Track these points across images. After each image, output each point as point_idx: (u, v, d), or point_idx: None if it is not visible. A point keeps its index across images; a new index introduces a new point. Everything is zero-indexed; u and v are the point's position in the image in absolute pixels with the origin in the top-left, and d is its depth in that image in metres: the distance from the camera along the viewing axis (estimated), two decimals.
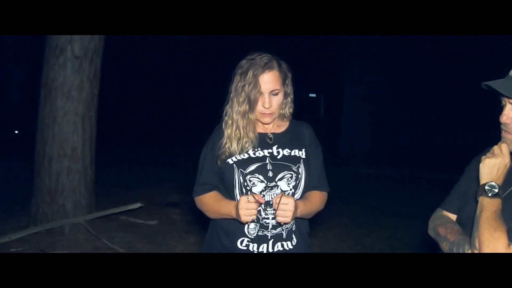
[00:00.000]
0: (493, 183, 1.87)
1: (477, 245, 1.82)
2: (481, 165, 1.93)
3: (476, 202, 1.96)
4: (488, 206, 1.84)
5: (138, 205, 6.51)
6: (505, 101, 1.96)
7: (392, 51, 13.02)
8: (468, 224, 2.04)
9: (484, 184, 1.89)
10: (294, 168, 2.46)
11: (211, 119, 2.64)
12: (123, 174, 10.24)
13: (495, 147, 1.94)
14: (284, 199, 2.26)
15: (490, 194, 1.86)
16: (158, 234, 6.48)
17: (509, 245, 1.78)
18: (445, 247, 2.07)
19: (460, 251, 1.97)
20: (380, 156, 13.89)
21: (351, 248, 6.36)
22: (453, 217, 2.22)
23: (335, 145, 15.45)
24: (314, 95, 20.83)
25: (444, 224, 2.17)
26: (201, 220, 2.75)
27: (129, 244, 6.02)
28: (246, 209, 2.25)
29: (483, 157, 1.95)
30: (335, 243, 6.58)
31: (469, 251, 1.92)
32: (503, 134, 1.99)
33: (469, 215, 2.04)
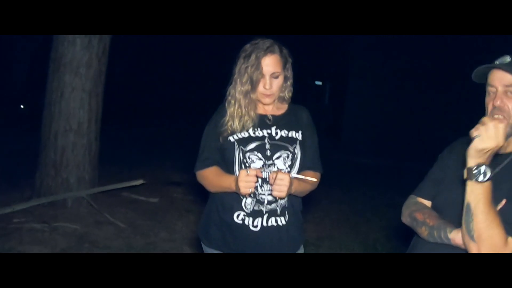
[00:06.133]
0: (483, 167, 1.82)
1: (475, 238, 1.85)
2: (475, 145, 1.83)
3: (458, 187, 2.03)
4: (482, 194, 1.83)
5: (140, 181, 6.61)
6: (496, 86, 2.02)
7: (399, 43, 13.01)
8: (445, 210, 2.12)
9: (474, 167, 1.84)
10: (291, 149, 2.60)
11: (216, 101, 2.75)
12: (127, 152, 10.38)
13: (490, 125, 1.81)
14: (280, 175, 2.41)
15: (480, 179, 1.82)
16: (159, 211, 6.62)
17: (506, 238, 1.84)
18: (424, 232, 2.11)
19: (442, 235, 2.02)
20: (382, 147, 13.93)
21: (346, 235, 6.47)
22: (428, 203, 2.27)
23: (338, 134, 15.52)
24: (320, 83, 20.88)
25: (420, 209, 2.21)
26: (202, 200, 2.87)
27: (130, 219, 6.16)
28: (246, 181, 2.40)
29: (475, 134, 1.83)
30: (332, 229, 6.70)
31: (450, 234, 1.99)
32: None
33: (448, 202, 2.13)
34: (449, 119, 12.79)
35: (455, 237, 1.97)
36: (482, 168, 1.82)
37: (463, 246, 1.93)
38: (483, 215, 1.83)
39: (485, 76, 2.08)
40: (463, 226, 1.89)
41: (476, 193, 1.84)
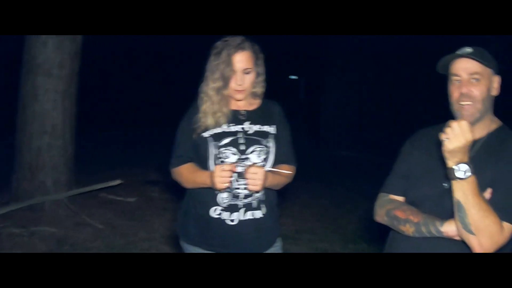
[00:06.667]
0: (461, 164, 1.91)
1: (473, 231, 1.92)
2: (446, 147, 1.91)
3: (429, 181, 2.18)
4: (469, 189, 1.90)
5: (117, 182, 6.58)
6: (460, 74, 2.13)
7: (376, 38, 13.10)
8: (420, 205, 2.18)
9: (455, 168, 1.91)
10: (264, 143, 2.64)
11: (190, 99, 2.76)
12: (103, 152, 10.31)
13: (454, 125, 1.90)
14: (255, 169, 2.46)
15: (463, 176, 1.90)
16: (137, 210, 6.62)
17: (501, 224, 1.93)
18: (409, 229, 2.14)
19: (432, 229, 2.07)
20: (359, 140, 14.02)
21: (325, 228, 6.52)
22: (401, 199, 2.30)
23: (315, 128, 15.58)
24: (295, 77, 20.93)
25: (399, 207, 2.23)
26: (179, 198, 2.89)
27: (108, 220, 6.14)
28: (221, 176, 2.44)
29: (444, 137, 1.92)
30: (312, 222, 6.75)
31: (442, 227, 2.04)
32: (465, 107, 2.11)
33: (421, 197, 2.20)
34: (425, 112, 12.91)
35: (448, 229, 2.03)
36: (462, 166, 1.91)
37: (457, 238, 2.02)
38: (475, 209, 1.91)
39: (446, 67, 2.20)
40: (458, 222, 1.96)
41: (464, 190, 1.92)
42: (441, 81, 2.31)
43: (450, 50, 2.21)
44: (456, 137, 1.87)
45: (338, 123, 14.83)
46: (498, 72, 2.19)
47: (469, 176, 1.90)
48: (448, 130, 1.90)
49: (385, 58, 13.99)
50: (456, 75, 2.15)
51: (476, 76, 2.11)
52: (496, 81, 2.18)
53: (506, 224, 1.95)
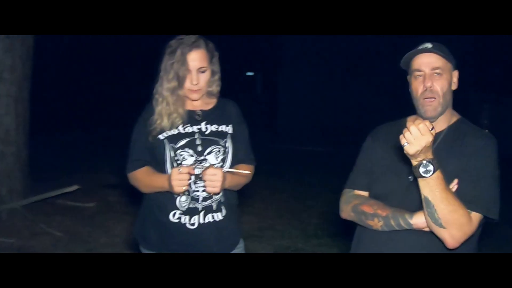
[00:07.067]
0: (425, 162, 1.91)
1: (444, 224, 1.96)
2: (407, 151, 1.90)
3: (392, 176, 2.22)
4: (436, 185, 1.92)
5: (74, 187, 6.42)
6: (423, 69, 2.18)
7: (331, 35, 13.22)
8: (385, 200, 2.20)
9: (418, 165, 1.92)
10: (222, 143, 2.59)
11: (146, 100, 2.70)
12: (58, 157, 10.08)
13: (413, 129, 1.87)
14: (213, 170, 2.41)
15: (427, 175, 1.91)
16: (96, 216, 6.49)
17: (469, 214, 1.98)
18: (378, 223, 2.16)
19: (401, 222, 2.09)
20: (317, 134, 14.13)
21: (288, 223, 6.53)
22: (366, 194, 2.33)
23: (273, 123, 15.63)
24: (251, 73, 20.96)
25: (365, 202, 2.26)
26: (138, 201, 2.82)
27: (67, 227, 5.99)
28: (178, 180, 2.39)
29: (403, 142, 1.90)
30: (273, 219, 6.74)
31: (412, 220, 2.07)
32: (429, 102, 2.16)
33: (386, 192, 2.23)
34: (380, 104, 13.11)
35: (418, 221, 2.06)
36: (426, 164, 1.91)
37: (426, 229, 2.05)
38: (443, 203, 1.94)
39: (408, 63, 2.25)
40: (428, 218, 2.00)
41: (430, 186, 1.94)
42: (396, 74, 2.34)
43: (403, 47, 2.24)
44: (416, 140, 1.86)
45: (295, 118, 14.92)
46: (456, 67, 2.25)
47: (435, 173, 1.91)
48: (407, 134, 1.87)
49: (340, 53, 14.13)
50: (419, 70, 2.19)
51: (438, 70, 2.16)
52: (455, 76, 2.25)
53: (474, 214, 2.00)
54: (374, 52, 13.85)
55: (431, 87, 2.15)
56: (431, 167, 1.91)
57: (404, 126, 1.90)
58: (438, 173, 1.92)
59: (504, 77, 14.04)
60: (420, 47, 2.19)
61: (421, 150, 1.87)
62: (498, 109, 13.28)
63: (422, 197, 1.98)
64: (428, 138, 1.86)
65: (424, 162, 1.90)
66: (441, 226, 1.97)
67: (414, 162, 1.93)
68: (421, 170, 1.92)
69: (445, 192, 1.94)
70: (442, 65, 2.17)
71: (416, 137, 1.85)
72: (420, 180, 1.96)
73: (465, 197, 1.99)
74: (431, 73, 2.16)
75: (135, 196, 2.89)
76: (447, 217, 1.94)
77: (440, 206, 1.94)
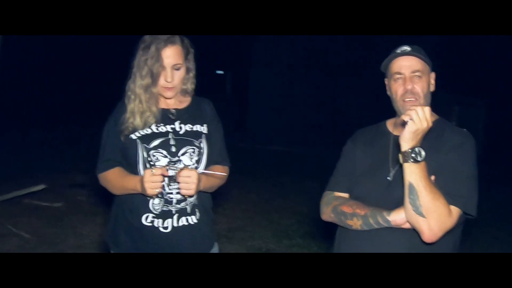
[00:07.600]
0: (417, 149, 2.00)
1: (424, 212, 2.00)
2: (410, 127, 1.98)
3: (372, 177, 2.27)
4: (421, 172, 2.00)
5: (41, 187, 6.31)
6: (403, 72, 2.25)
7: (301, 35, 13.25)
8: (365, 200, 2.24)
9: (410, 151, 2.00)
10: (196, 143, 2.51)
11: (117, 98, 2.62)
12: (24, 156, 9.86)
13: (418, 109, 1.98)
14: (187, 172, 2.32)
15: (419, 159, 1.99)
16: (64, 216, 6.34)
17: (449, 206, 2.03)
18: (357, 223, 2.19)
19: (379, 220, 2.13)
20: (288, 134, 14.14)
21: (258, 224, 6.50)
22: (346, 196, 2.36)
23: (243, 123, 15.59)
24: (221, 72, 20.91)
25: (345, 202, 2.29)
26: (108, 201, 2.73)
27: (34, 228, 5.84)
28: (151, 182, 2.28)
29: (407, 118, 1.99)
30: (243, 219, 6.70)
31: (390, 216, 2.11)
32: (409, 103, 2.22)
33: (365, 192, 2.27)
34: (352, 105, 13.19)
35: (396, 218, 2.11)
36: (418, 150, 2.00)
37: (404, 226, 2.10)
38: (426, 190, 2.00)
39: (385, 66, 2.34)
40: (409, 205, 2.04)
41: (416, 172, 2.00)
42: (368, 74, 2.37)
43: (378, 46, 2.26)
44: (420, 119, 1.95)
45: (265, 117, 14.91)
46: (432, 69, 2.34)
47: (423, 159, 1.99)
48: (411, 112, 1.97)
49: (311, 52, 14.15)
50: (399, 73, 2.26)
51: (417, 73, 2.24)
52: (432, 78, 2.33)
53: (453, 208, 2.05)
54: (345, 52, 13.91)
55: (412, 89, 2.23)
56: (423, 153, 1.99)
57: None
58: (424, 162, 2.01)
59: (473, 78, 14.27)
60: (399, 51, 2.27)
61: (419, 132, 1.97)
62: (467, 111, 13.46)
63: (406, 184, 2.03)
64: (428, 123, 1.97)
65: (417, 148, 1.99)
66: (421, 214, 2.00)
67: (405, 147, 2.01)
68: (413, 155, 1.99)
69: (428, 180, 2.01)
70: (422, 67, 2.26)
71: (420, 117, 1.95)
72: (406, 166, 2.02)
73: (445, 192, 2.04)
74: (411, 76, 2.24)
75: (103, 196, 2.82)
76: (428, 204, 1.99)
77: (423, 192, 1.99)
